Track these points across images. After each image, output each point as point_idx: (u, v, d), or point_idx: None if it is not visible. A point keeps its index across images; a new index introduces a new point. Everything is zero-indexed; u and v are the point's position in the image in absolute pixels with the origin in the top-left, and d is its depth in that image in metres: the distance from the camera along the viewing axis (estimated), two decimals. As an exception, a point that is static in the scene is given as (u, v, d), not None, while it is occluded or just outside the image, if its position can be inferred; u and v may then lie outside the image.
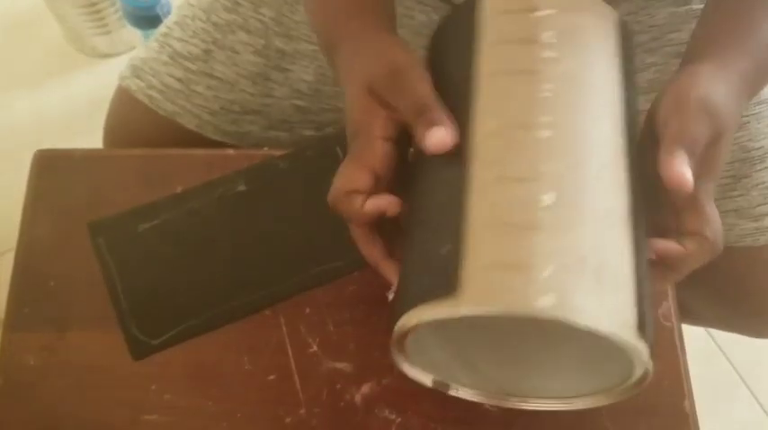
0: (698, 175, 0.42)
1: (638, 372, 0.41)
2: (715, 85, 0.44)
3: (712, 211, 0.43)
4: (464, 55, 0.44)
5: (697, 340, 1.25)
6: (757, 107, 0.66)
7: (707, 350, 1.27)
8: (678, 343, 0.57)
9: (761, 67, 0.49)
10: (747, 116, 0.66)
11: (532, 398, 0.49)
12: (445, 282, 0.38)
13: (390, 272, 0.45)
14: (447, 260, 0.39)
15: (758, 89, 0.51)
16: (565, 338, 0.41)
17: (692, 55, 0.49)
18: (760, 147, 0.66)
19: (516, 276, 0.37)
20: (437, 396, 0.55)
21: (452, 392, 0.50)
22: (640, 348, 0.38)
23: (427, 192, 0.43)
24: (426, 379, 0.49)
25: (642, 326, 0.38)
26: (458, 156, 0.41)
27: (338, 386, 0.55)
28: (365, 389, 0.55)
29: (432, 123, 0.41)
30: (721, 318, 0.77)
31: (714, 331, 1.24)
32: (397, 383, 0.55)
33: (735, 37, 0.49)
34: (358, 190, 0.43)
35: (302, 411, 0.55)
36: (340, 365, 0.56)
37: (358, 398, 0.55)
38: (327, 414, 0.54)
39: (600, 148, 0.41)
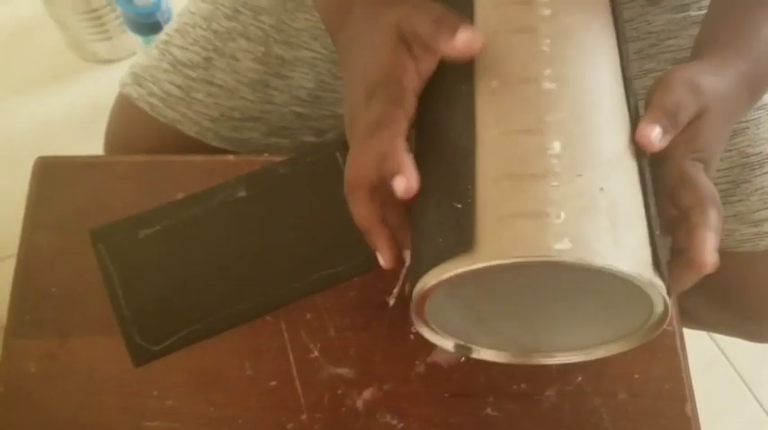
0: (679, 146, 0.43)
1: (657, 311, 0.42)
2: (703, 72, 0.45)
3: (703, 180, 0.43)
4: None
5: (699, 344, 1.25)
6: (756, 113, 0.67)
7: (709, 354, 1.27)
8: (679, 346, 0.57)
9: (760, 67, 0.49)
10: (746, 121, 0.66)
11: (554, 352, 0.50)
12: (461, 238, 0.38)
13: (383, 236, 0.44)
14: (461, 217, 0.39)
15: (759, 89, 0.51)
16: (581, 287, 0.42)
17: (692, 55, 0.50)
18: (759, 153, 0.66)
19: (531, 224, 0.38)
20: (439, 401, 0.55)
21: (475, 355, 0.50)
22: (658, 284, 0.39)
23: (435, 156, 0.43)
24: (448, 344, 0.49)
25: (657, 263, 0.39)
26: (464, 115, 0.42)
27: (339, 391, 0.55)
28: (366, 394, 0.55)
29: (455, 28, 0.41)
30: (722, 322, 0.77)
31: (716, 335, 1.23)
32: (398, 388, 0.55)
33: (733, 38, 0.50)
34: (399, 131, 0.42)
35: (304, 417, 0.55)
36: (341, 371, 0.56)
37: (359, 403, 0.55)
38: (329, 419, 0.54)
39: (601, 97, 0.42)
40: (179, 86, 0.70)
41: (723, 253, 0.67)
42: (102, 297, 0.58)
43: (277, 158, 0.64)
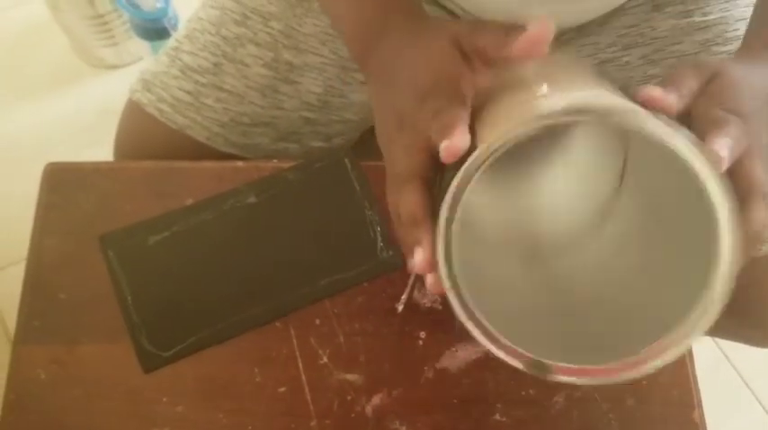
0: (702, 101, 0.42)
1: (721, 217, 0.35)
2: (718, 60, 0.46)
3: (733, 119, 0.41)
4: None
5: (702, 348, 1.25)
6: None
7: (712, 358, 1.27)
8: (687, 354, 0.57)
9: None
10: None
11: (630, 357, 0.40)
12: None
13: (428, 233, 0.40)
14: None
15: None
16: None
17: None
18: None
19: (520, 108, 0.39)
20: (447, 407, 0.55)
21: (550, 378, 0.40)
22: (696, 155, 0.34)
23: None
24: (516, 362, 0.39)
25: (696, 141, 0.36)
26: None
27: (349, 397, 0.55)
28: (376, 400, 0.55)
29: (521, 32, 0.41)
30: (723, 327, 0.77)
31: (719, 339, 1.24)
32: (407, 394, 0.55)
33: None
34: (465, 115, 0.41)
35: (313, 423, 0.55)
36: (350, 377, 0.56)
37: (368, 409, 0.55)
38: (338, 425, 0.55)
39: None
40: (189, 92, 0.71)
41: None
42: (112, 303, 0.59)
43: (286, 164, 0.64)
